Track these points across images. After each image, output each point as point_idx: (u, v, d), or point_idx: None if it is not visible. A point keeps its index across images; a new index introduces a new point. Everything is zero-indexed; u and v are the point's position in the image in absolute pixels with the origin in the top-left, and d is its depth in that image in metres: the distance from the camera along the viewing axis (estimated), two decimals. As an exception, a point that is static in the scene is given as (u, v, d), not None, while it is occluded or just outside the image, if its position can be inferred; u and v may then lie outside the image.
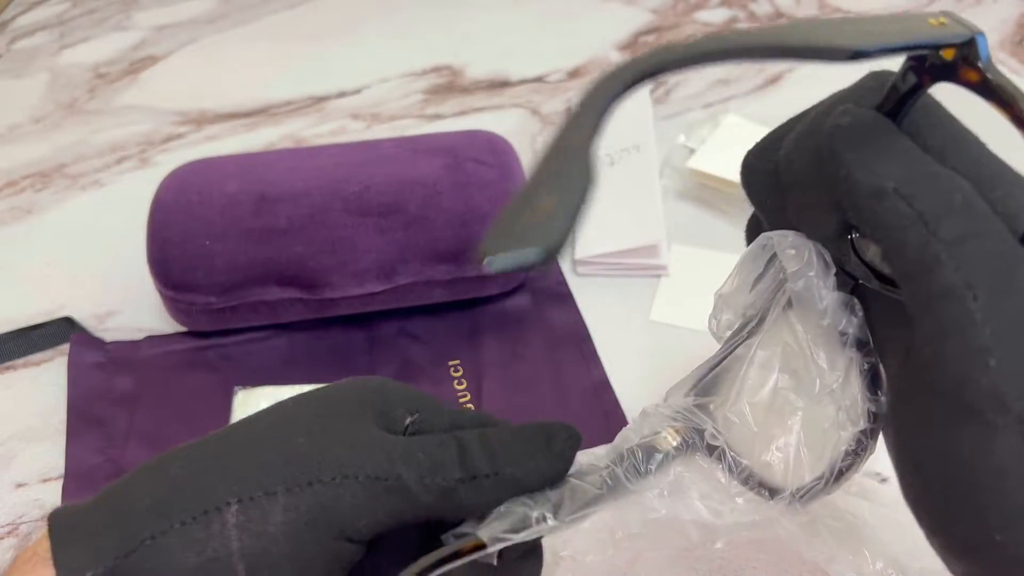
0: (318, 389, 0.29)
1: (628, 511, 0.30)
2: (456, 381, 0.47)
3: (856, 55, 0.20)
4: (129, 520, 0.24)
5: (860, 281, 0.27)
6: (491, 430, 0.28)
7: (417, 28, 0.78)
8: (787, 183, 0.27)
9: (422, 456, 0.26)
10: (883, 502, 0.35)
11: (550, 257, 0.14)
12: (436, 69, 0.73)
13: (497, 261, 0.14)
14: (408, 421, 0.28)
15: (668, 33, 0.76)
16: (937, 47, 0.22)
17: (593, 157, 0.16)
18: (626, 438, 0.29)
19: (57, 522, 0.25)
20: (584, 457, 0.29)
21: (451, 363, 0.47)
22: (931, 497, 0.23)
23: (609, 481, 0.28)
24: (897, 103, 0.24)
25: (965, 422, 0.21)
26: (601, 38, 0.75)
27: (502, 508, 0.26)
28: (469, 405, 0.45)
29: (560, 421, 0.28)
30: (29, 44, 0.78)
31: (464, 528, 0.26)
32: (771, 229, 0.28)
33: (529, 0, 0.81)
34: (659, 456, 0.28)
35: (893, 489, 0.38)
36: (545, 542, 0.39)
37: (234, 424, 0.27)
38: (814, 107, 0.27)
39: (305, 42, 0.77)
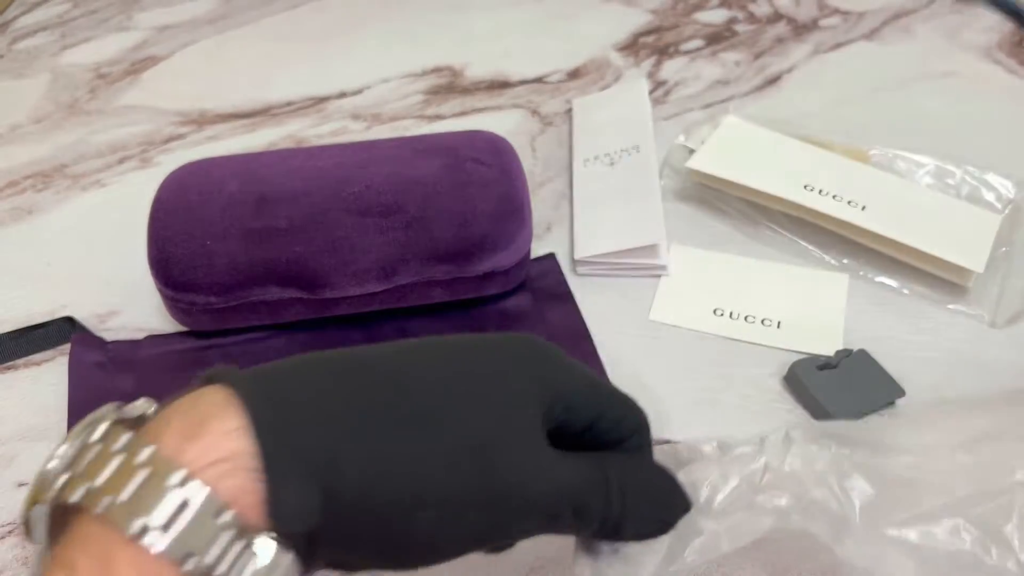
0: (481, 358, 0.28)
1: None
2: (456, 381, 0.47)
3: None
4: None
5: None
6: (630, 471, 0.28)
7: (417, 29, 0.78)
8: None
9: (586, 498, 0.27)
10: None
11: None
12: (436, 69, 0.73)
13: None
14: (556, 415, 0.27)
15: (667, 34, 0.76)
16: None
17: None
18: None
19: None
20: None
21: (451, 363, 0.47)
22: None
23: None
24: None
25: None
26: (601, 39, 0.75)
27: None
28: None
29: (684, 491, 0.30)
30: (30, 44, 0.79)
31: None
32: None
33: (529, 0, 0.81)
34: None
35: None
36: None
37: (407, 393, 0.27)
38: None
39: (306, 42, 0.77)
